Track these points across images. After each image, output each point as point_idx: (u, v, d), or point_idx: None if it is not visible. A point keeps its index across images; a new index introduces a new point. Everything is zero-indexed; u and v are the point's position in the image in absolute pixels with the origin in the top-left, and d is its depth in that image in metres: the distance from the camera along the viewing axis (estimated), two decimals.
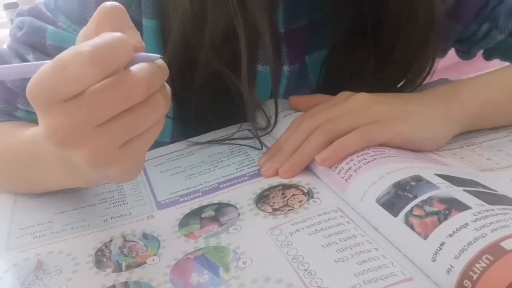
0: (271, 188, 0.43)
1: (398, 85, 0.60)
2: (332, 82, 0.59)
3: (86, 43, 0.28)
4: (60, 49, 0.52)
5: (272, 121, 0.53)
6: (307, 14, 0.57)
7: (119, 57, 0.29)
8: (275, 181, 0.44)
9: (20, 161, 0.45)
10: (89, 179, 0.37)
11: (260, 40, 0.54)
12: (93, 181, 0.38)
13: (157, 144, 0.66)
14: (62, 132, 0.30)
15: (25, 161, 0.45)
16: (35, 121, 0.55)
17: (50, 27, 0.54)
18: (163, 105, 0.32)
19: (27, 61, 0.54)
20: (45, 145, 0.38)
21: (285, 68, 0.59)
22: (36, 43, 0.54)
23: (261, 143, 0.52)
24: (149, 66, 0.31)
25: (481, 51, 0.64)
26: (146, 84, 0.30)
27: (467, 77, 0.51)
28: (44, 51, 0.54)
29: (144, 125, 0.31)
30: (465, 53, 0.65)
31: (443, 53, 0.65)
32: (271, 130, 0.53)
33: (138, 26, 0.54)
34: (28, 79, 0.29)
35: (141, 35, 0.55)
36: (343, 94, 0.48)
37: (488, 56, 0.63)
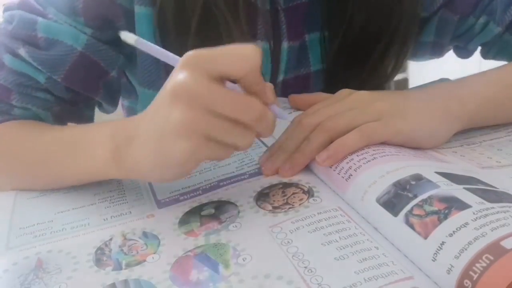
0: (271, 187, 0.43)
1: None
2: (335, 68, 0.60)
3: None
4: (52, 41, 0.52)
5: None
6: None
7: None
8: (275, 179, 0.44)
9: (63, 144, 0.48)
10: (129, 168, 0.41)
11: (259, 16, 0.55)
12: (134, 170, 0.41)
13: None
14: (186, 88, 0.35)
15: (69, 143, 0.47)
16: (32, 118, 0.55)
17: (40, 19, 0.52)
18: (247, 142, 0.38)
19: (19, 55, 0.53)
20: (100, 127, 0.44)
21: (285, 44, 0.59)
22: (26, 37, 0.52)
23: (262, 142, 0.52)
24: (271, 108, 0.39)
25: (479, 49, 0.64)
26: (260, 117, 0.36)
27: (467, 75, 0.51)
28: (35, 44, 0.52)
29: (232, 138, 0.36)
30: (463, 50, 0.65)
31: (441, 51, 0.65)
32: None
33: (130, 14, 0.54)
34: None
35: (134, 23, 0.55)
36: (343, 92, 0.48)
37: (485, 52, 0.63)
